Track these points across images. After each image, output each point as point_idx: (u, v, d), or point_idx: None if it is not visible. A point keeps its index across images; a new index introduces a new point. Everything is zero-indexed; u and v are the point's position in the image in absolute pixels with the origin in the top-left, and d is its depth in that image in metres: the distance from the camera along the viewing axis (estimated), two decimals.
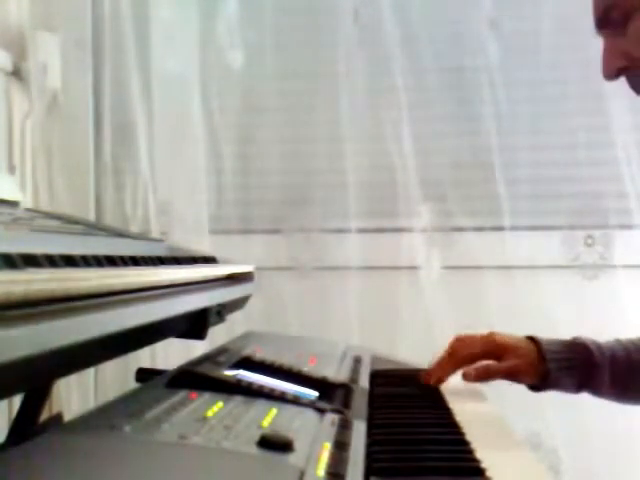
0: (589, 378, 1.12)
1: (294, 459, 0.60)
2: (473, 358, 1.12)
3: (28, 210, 1.14)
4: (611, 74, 0.93)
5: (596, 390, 1.14)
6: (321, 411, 0.79)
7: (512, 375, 1.11)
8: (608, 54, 0.93)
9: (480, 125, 1.89)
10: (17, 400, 1.12)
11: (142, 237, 1.44)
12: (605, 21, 0.92)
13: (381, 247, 1.92)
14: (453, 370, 1.12)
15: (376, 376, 1.12)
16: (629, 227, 1.87)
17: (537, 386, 1.14)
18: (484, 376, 1.09)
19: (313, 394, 0.90)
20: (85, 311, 0.54)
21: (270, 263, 1.85)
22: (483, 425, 0.94)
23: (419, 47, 1.90)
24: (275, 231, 1.95)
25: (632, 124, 1.84)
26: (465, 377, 1.09)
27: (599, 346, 1.14)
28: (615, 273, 1.87)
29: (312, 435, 0.69)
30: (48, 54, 1.92)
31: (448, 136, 1.92)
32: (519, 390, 1.16)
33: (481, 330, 1.17)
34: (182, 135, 1.94)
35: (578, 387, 1.14)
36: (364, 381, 1.06)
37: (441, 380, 1.11)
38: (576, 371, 1.12)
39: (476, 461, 0.70)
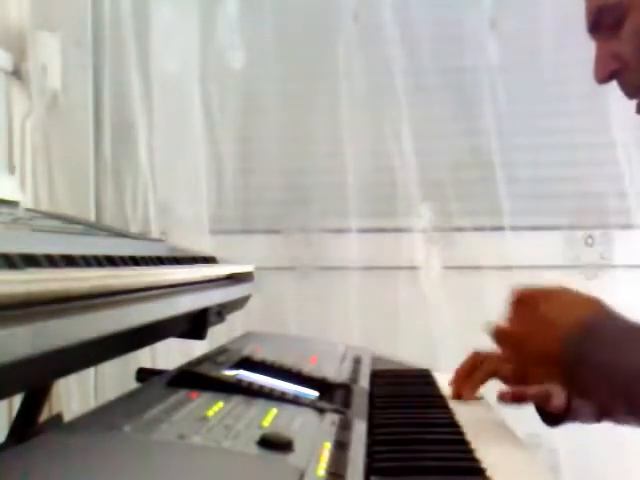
0: (608, 407, 1.07)
1: (294, 459, 0.60)
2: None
3: (28, 210, 1.14)
4: (604, 77, 0.92)
5: (616, 417, 1.11)
6: (321, 411, 0.79)
7: (545, 401, 1.08)
8: (600, 57, 0.92)
9: (480, 125, 1.89)
10: (17, 400, 1.12)
11: (142, 237, 1.44)
12: (598, 24, 0.91)
13: (381, 247, 1.92)
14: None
15: (376, 376, 1.12)
16: (629, 227, 1.87)
17: (555, 419, 1.10)
18: (520, 400, 1.06)
19: (313, 394, 0.90)
20: (85, 311, 0.54)
21: (270, 263, 1.85)
22: (483, 425, 0.94)
23: (419, 47, 1.90)
24: (275, 231, 1.95)
25: (632, 124, 1.84)
26: (501, 399, 1.06)
27: None
28: (615, 273, 1.87)
29: (312, 435, 0.69)
30: (48, 54, 1.92)
31: (448, 136, 1.92)
32: None
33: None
34: (182, 135, 1.94)
35: (598, 417, 1.10)
36: (364, 381, 1.06)
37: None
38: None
39: (476, 461, 0.70)
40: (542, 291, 0.89)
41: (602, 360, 0.80)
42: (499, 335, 0.90)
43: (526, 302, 0.88)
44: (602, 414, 1.10)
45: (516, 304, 0.89)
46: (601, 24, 0.90)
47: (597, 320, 0.83)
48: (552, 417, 1.11)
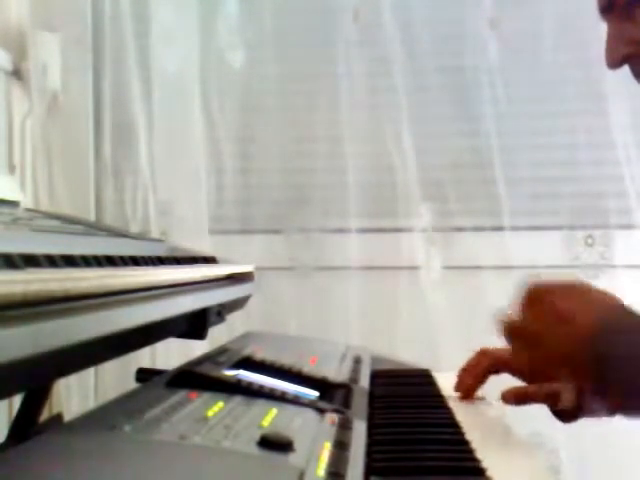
0: (621, 402, 1.01)
1: (294, 459, 0.60)
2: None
3: (28, 210, 1.14)
4: (616, 62, 0.88)
5: (630, 412, 1.09)
6: (321, 411, 0.79)
7: (551, 400, 1.02)
8: (613, 41, 0.88)
9: (480, 125, 1.89)
10: (17, 400, 1.12)
11: (142, 237, 1.44)
12: (611, 5, 0.87)
13: (381, 247, 1.92)
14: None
15: (376, 376, 1.12)
16: (629, 227, 1.87)
17: (568, 414, 1.05)
18: (524, 400, 1.01)
19: (313, 394, 0.90)
20: (85, 311, 0.54)
21: (270, 263, 1.85)
22: (483, 425, 0.94)
23: (419, 47, 1.90)
24: (275, 231, 1.95)
25: (632, 124, 1.84)
26: (504, 400, 1.04)
27: None
28: (615, 273, 1.87)
29: (312, 435, 0.69)
30: (48, 54, 1.92)
31: (448, 136, 1.92)
32: None
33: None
34: (182, 135, 1.94)
35: (612, 411, 1.03)
36: (364, 381, 1.06)
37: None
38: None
39: (476, 461, 0.70)
40: (557, 286, 0.87)
41: (628, 355, 0.79)
42: (513, 331, 0.88)
43: (540, 298, 0.86)
44: (614, 410, 1.08)
45: (529, 300, 0.87)
46: (614, 5, 0.87)
47: (618, 317, 0.82)
48: (565, 414, 1.09)
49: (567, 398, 1.03)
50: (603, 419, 1.08)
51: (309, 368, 1.01)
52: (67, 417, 1.23)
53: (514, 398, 1.03)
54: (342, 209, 1.92)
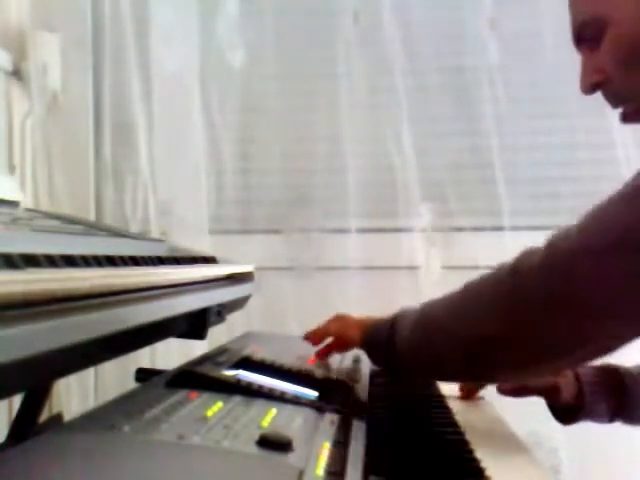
0: (622, 405, 1.08)
1: (293, 458, 0.60)
2: None
3: (28, 210, 1.14)
4: (587, 89, 0.94)
5: (629, 418, 1.10)
6: (321, 411, 0.79)
7: (550, 394, 1.07)
8: (584, 70, 0.94)
9: (480, 125, 1.89)
10: (17, 400, 1.12)
11: (142, 237, 1.44)
12: (580, 37, 0.93)
13: (381, 247, 1.91)
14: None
15: (375, 376, 1.12)
16: None
17: (568, 415, 1.09)
18: (521, 393, 1.06)
19: (313, 394, 0.90)
20: (85, 311, 0.54)
21: (270, 263, 1.85)
22: (483, 425, 0.94)
23: (419, 47, 1.90)
24: (275, 231, 1.95)
25: (632, 124, 1.84)
26: (501, 392, 1.05)
27: (628, 371, 1.09)
28: None
29: (311, 435, 0.69)
30: (48, 54, 1.92)
31: (448, 136, 1.92)
32: None
33: None
34: (182, 135, 1.94)
35: (611, 415, 1.09)
36: (364, 381, 1.06)
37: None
38: (609, 397, 1.07)
39: (476, 461, 0.70)
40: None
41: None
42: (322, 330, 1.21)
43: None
44: (615, 413, 1.09)
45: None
46: (583, 37, 0.92)
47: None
48: (565, 415, 1.10)
49: (567, 391, 1.05)
50: (602, 423, 1.09)
51: (309, 368, 1.01)
52: (67, 417, 1.23)
53: (511, 390, 1.04)
54: (342, 209, 1.92)
